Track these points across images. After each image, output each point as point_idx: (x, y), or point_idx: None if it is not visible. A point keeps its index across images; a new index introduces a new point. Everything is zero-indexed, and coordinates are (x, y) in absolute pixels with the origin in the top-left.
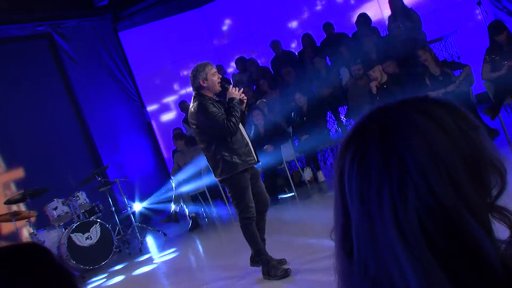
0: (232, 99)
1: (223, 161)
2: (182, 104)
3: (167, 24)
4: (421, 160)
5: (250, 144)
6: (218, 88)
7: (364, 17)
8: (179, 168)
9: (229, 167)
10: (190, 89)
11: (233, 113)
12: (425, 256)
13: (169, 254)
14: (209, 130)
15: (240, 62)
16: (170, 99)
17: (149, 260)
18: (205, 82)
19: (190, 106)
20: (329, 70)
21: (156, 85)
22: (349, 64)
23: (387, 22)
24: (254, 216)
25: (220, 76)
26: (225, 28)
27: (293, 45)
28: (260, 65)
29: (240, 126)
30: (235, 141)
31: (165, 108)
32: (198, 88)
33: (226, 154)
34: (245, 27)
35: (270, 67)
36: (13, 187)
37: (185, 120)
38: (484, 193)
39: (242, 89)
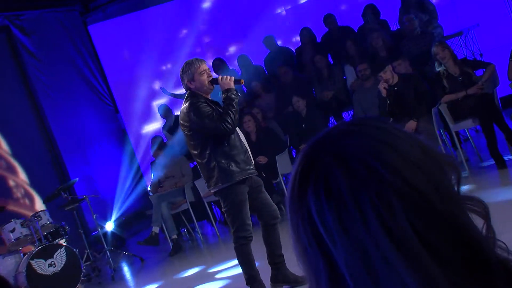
0: (227, 91)
1: (218, 169)
2: (163, 109)
3: (145, 16)
4: (392, 163)
5: (249, 151)
6: (208, 88)
7: (371, 8)
8: (158, 183)
9: (225, 176)
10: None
11: (229, 110)
12: (423, 258)
13: (147, 283)
14: (203, 132)
15: (217, 64)
16: (148, 103)
17: None
18: (192, 83)
19: (182, 107)
20: (331, 70)
21: (132, 86)
22: (355, 62)
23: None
24: (251, 236)
25: (211, 74)
26: (209, 19)
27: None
28: (253, 63)
29: (238, 131)
30: (233, 146)
31: (143, 113)
32: (188, 89)
33: (223, 160)
34: (234, 20)
35: (264, 66)
36: None
37: (166, 128)
38: (450, 183)
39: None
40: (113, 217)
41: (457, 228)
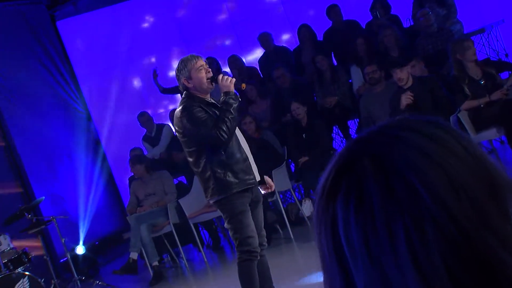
0: (226, 94)
1: (214, 179)
2: (141, 117)
3: (121, 10)
4: (435, 184)
5: (250, 158)
6: (207, 86)
7: (381, 1)
8: (138, 202)
9: (221, 187)
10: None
11: (225, 117)
12: None
13: None
14: (197, 139)
15: (209, 63)
16: (126, 109)
17: None
18: (189, 81)
19: (176, 111)
20: (335, 72)
21: (107, 91)
22: (362, 63)
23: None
24: (256, 252)
25: (209, 70)
26: (192, 12)
27: (285, 37)
28: (245, 64)
29: (239, 134)
30: (231, 154)
31: (120, 121)
32: (185, 89)
33: (219, 170)
34: (223, 14)
35: (258, 68)
36: None
37: (146, 138)
38: (506, 218)
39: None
40: (82, 240)
41: (498, 273)
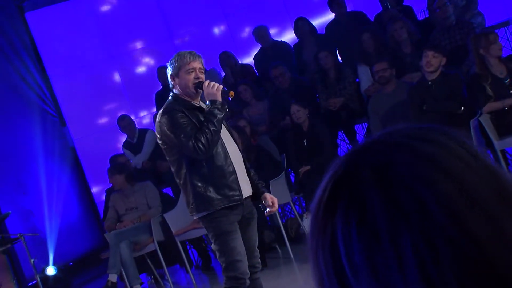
0: (211, 103)
1: (194, 194)
2: (121, 121)
3: (100, 1)
4: (445, 195)
5: (240, 171)
6: (191, 90)
7: None
8: (117, 217)
9: (201, 203)
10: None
11: (206, 129)
12: None
13: None
14: (175, 148)
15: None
16: (105, 112)
17: None
18: (175, 79)
19: (157, 114)
20: (340, 70)
21: (83, 91)
22: (371, 61)
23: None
24: (244, 279)
25: (199, 75)
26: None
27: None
28: (239, 62)
29: (228, 143)
30: (214, 166)
31: (97, 126)
32: (173, 87)
33: (199, 184)
34: (214, 7)
35: (254, 66)
36: None
37: (127, 145)
38: None
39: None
40: (51, 260)
41: None
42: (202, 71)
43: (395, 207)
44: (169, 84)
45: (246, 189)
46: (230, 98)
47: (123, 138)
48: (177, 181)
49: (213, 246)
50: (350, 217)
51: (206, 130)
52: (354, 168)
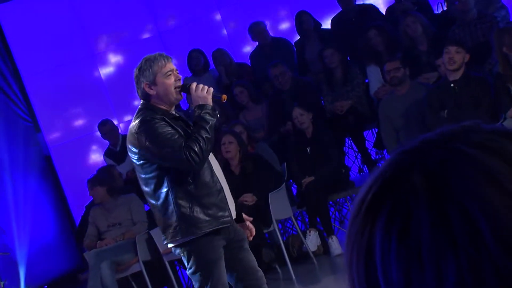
0: (201, 107)
1: (178, 215)
2: (103, 126)
3: None
4: (500, 218)
5: (225, 189)
6: (175, 97)
7: None
8: (98, 234)
9: (187, 226)
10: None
11: (199, 136)
12: None
13: None
14: (157, 163)
15: (196, 57)
16: (83, 118)
17: None
18: (152, 88)
19: (130, 125)
20: (347, 70)
21: (61, 94)
22: (382, 59)
23: None
24: None
25: (180, 77)
26: None
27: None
28: (235, 61)
29: (212, 159)
30: (201, 183)
31: (77, 132)
32: (144, 97)
33: (184, 203)
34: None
35: (251, 65)
36: None
37: (109, 153)
38: None
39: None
40: (22, 282)
41: None
42: (177, 71)
43: (444, 225)
44: (140, 94)
45: (233, 210)
46: (223, 101)
47: (105, 145)
48: (152, 202)
49: (191, 275)
50: (392, 228)
51: (199, 137)
52: (405, 171)
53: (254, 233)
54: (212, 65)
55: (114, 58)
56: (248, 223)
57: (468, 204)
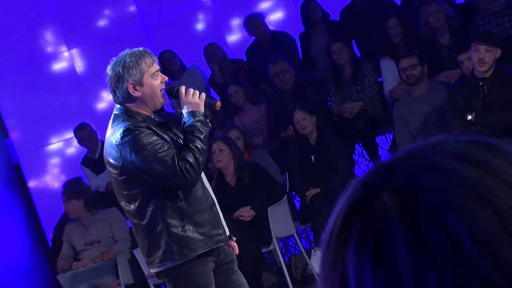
0: (192, 114)
1: (168, 237)
2: (79, 131)
3: None
4: (481, 227)
5: (217, 205)
6: (160, 99)
7: None
8: (74, 254)
9: (179, 248)
10: (105, 101)
11: (193, 145)
12: None
13: None
14: (143, 179)
15: (168, 58)
16: (61, 119)
17: None
18: (138, 89)
19: (107, 135)
20: (358, 67)
21: (30, 92)
22: (397, 54)
23: None
24: None
25: (166, 78)
26: None
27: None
28: (229, 57)
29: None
30: (193, 199)
31: (50, 138)
32: (123, 100)
33: (175, 222)
34: None
35: (247, 62)
36: None
37: (87, 162)
38: None
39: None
40: None
41: None
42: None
43: (420, 241)
44: (118, 97)
45: (225, 225)
46: (216, 109)
47: (82, 152)
48: (135, 222)
49: None
50: (364, 254)
51: (194, 148)
52: (374, 191)
53: (236, 250)
54: (187, 64)
55: (93, 52)
56: (232, 242)
57: (442, 212)
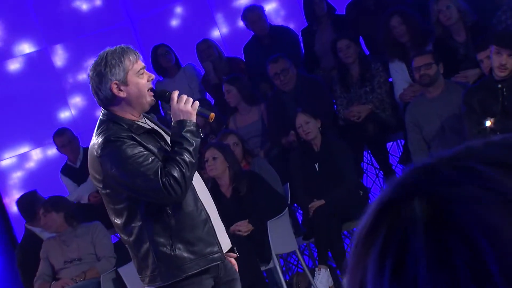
0: (182, 124)
1: (156, 256)
2: (60, 136)
3: None
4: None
5: (213, 217)
6: (147, 100)
7: None
8: (52, 273)
9: (168, 269)
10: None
11: (180, 157)
12: None
13: None
14: (128, 193)
15: (163, 53)
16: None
17: None
18: (123, 89)
19: (91, 143)
20: (366, 66)
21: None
22: (408, 53)
23: None
24: None
25: (152, 76)
26: None
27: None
28: (225, 55)
29: (196, 178)
30: (183, 213)
31: (27, 140)
32: (107, 103)
33: (163, 240)
34: None
35: (245, 60)
36: None
37: (67, 171)
38: None
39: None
40: None
41: None
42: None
43: (444, 260)
44: (102, 99)
45: (225, 241)
46: (210, 120)
47: (62, 161)
48: (124, 237)
49: None
50: (384, 263)
51: (180, 162)
52: (408, 194)
53: (236, 269)
54: (183, 63)
55: (75, 48)
56: (230, 258)
57: (473, 233)
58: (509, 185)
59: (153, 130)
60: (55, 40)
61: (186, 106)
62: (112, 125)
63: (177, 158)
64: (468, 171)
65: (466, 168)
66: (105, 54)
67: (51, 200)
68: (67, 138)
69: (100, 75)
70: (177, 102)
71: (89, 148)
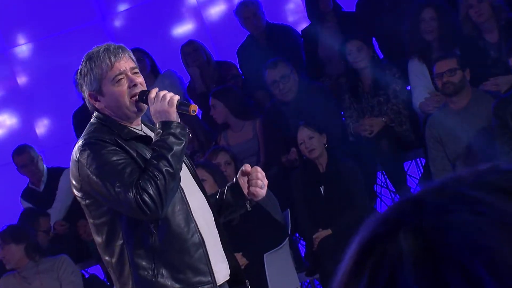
0: (163, 125)
1: (136, 281)
2: (19, 155)
3: None
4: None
5: (208, 241)
6: (131, 110)
7: None
8: None
9: None
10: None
11: (157, 168)
12: None
13: None
14: (106, 204)
15: (137, 59)
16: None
17: None
18: (99, 99)
19: (74, 148)
20: (380, 72)
21: None
22: (429, 56)
23: None
24: None
25: (135, 79)
26: None
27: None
28: (214, 59)
29: (189, 192)
30: (171, 235)
31: None
32: (94, 109)
33: (144, 263)
34: None
35: (238, 65)
36: None
37: (29, 195)
38: None
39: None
40: None
41: None
42: (136, 70)
43: None
44: (89, 107)
45: (222, 270)
46: (192, 114)
47: (23, 183)
48: (105, 258)
49: None
50: None
51: (156, 173)
52: (392, 229)
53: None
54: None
55: (49, 49)
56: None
57: (469, 261)
58: (503, 207)
59: (144, 136)
60: (14, 42)
61: (162, 104)
62: (101, 127)
63: (152, 170)
64: (456, 198)
65: (454, 195)
66: (84, 58)
67: (10, 229)
68: (28, 157)
69: (77, 83)
70: (153, 102)
71: (72, 153)
